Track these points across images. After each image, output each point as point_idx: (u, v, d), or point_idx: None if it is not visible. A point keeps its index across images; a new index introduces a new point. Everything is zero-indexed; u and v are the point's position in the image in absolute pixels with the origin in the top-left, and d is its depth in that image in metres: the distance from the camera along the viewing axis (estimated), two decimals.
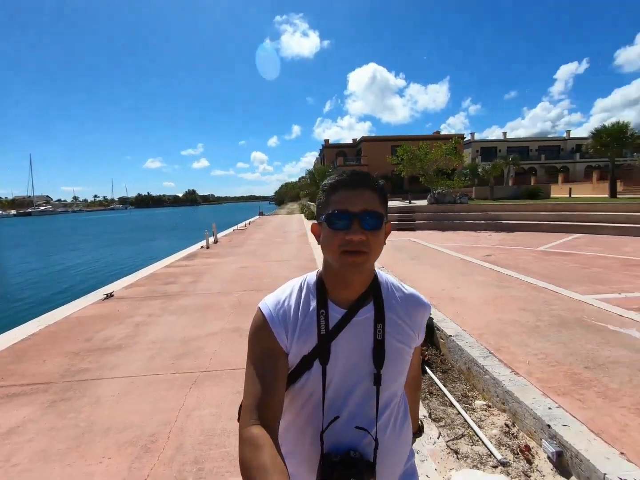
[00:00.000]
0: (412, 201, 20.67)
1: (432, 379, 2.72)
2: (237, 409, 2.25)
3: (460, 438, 2.06)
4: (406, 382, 0.87)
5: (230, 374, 2.94)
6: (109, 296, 5.56)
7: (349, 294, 0.78)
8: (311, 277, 0.82)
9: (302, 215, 25.85)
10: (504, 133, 44.65)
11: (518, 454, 1.87)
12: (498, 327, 3.32)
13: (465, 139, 42.04)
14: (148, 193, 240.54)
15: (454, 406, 2.40)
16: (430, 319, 3.28)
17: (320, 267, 0.82)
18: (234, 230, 16.51)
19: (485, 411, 2.36)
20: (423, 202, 19.24)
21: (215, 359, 3.22)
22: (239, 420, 0.80)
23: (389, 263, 6.57)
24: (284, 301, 0.77)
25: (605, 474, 1.54)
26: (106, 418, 2.37)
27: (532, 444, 1.94)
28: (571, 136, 44.09)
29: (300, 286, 0.80)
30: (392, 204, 20.43)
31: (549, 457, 1.80)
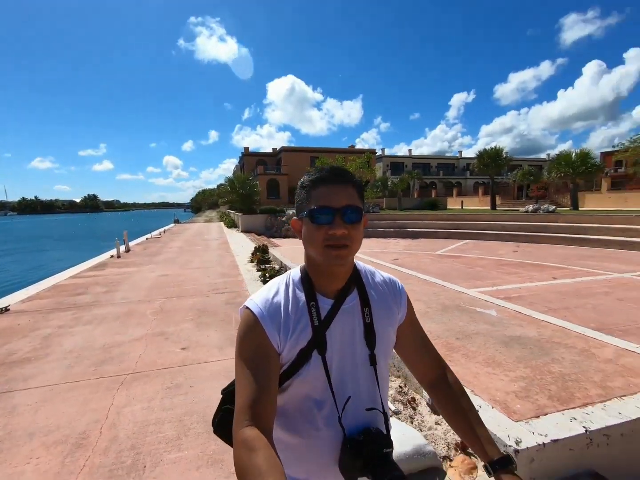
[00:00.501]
0: None
1: None
2: (170, 402, 2.59)
3: None
4: (432, 378, 0.91)
5: (160, 373, 3.04)
6: (4, 310, 5.00)
7: (335, 285, 0.81)
8: (295, 272, 0.85)
9: (222, 223, 25.29)
10: (410, 150, 49.66)
11: (407, 404, 2.42)
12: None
13: (377, 154, 45.63)
14: (35, 197, 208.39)
15: None
16: None
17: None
18: (147, 238, 15.53)
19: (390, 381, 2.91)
20: None
21: (141, 362, 3.27)
22: (213, 424, 0.89)
23: None
24: (272, 298, 0.79)
25: None
26: (28, 424, 2.32)
27: (417, 397, 2.51)
28: (463, 156, 50.96)
29: (286, 282, 0.83)
30: None
31: (427, 404, 2.38)
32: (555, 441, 1.70)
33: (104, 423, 2.34)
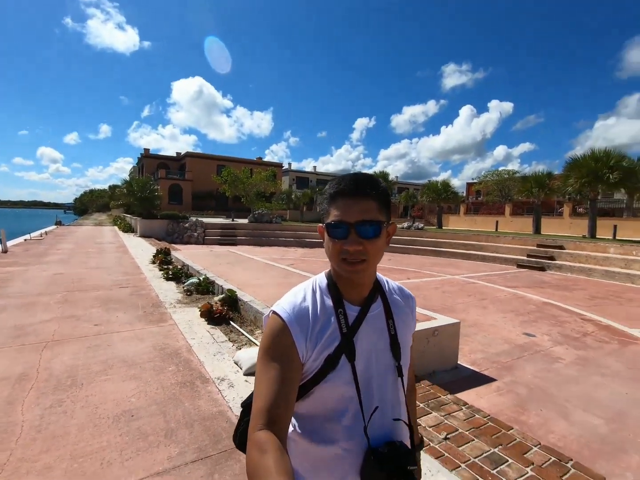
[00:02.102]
0: (234, 219, 22.46)
1: (234, 326, 4.33)
2: (93, 354, 3.88)
3: (245, 344, 3.73)
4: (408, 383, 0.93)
5: (78, 339, 3.73)
6: None
7: (360, 292, 0.82)
8: (321, 279, 0.85)
9: (116, 227, 23.74)
10: (314, 167, 53.06)
11: None
12: (276, 295, 5.23)
13: (284, 168, 47.64)
14: None
15: (244, 334, 4.08)
16: (235, 294, 4.91)
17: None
18: (25, 240, 14.14)
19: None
20: (244, 221, 21.36)
21: (58, 334, 3.88)
22: (234, 439, 0.89)
23: (208, 265, 7.92)
24: (300, 304, 0.78)
25: None
26: None
27: None
28: None
29: (313, 288, 0.82)
30: (216, 220, 21.67)
31: None
32: None
33: (38, 367, 3.05)
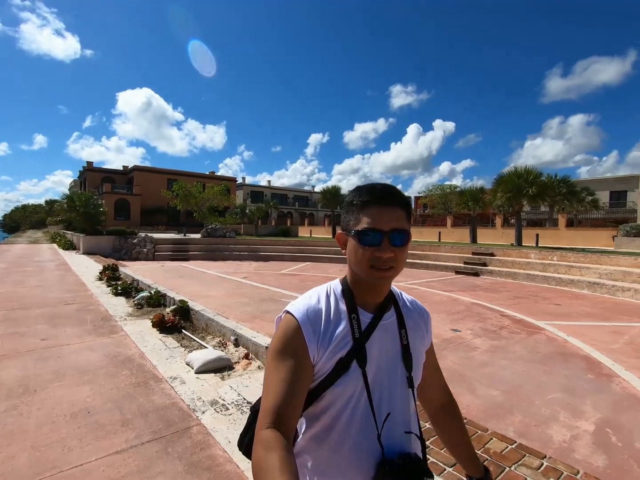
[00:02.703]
0: (187, 234, 22.05)
1: (186, 334, 4.55)
2: (42, 365, 4.16)
3: (196, 348, 3.99)
4: (438, 404, 0.97)
5: (26, 353, 3.76)
6: None
7: (375, 299, 0.83)
8: (335, 284, 0.86)
9: (55, 245, 22.25)
10: (269, 181, 53.38)
11: (223, 346, 3.97)
12: (227, 304, 5.55)
13: (238, 182, 47.44)
14: None
15: (196, 340, 4.33)
16: (187, 304, 5.12)
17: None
18: None
19: (215, 339, 4.39)
20: (197, 236, 21.07)
21: (3, 350, 3.86)
22: (241, 445, 0.89)
23: (160, 280, 7.94)
24: (314, 305, 0.79)
25: (246, 336, 3.81)
26: None
27: (229, 341, 4.09)
28: (315, 190, 57.63)
29: (327, 293, 0.83)
30: (167, 236, 21.16)
31: (233, 342, 3.98)
32: None
33: None
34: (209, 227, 20.72)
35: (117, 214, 35.20)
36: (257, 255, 18.37)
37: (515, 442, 2.44)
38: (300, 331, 0.75)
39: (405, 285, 10.63)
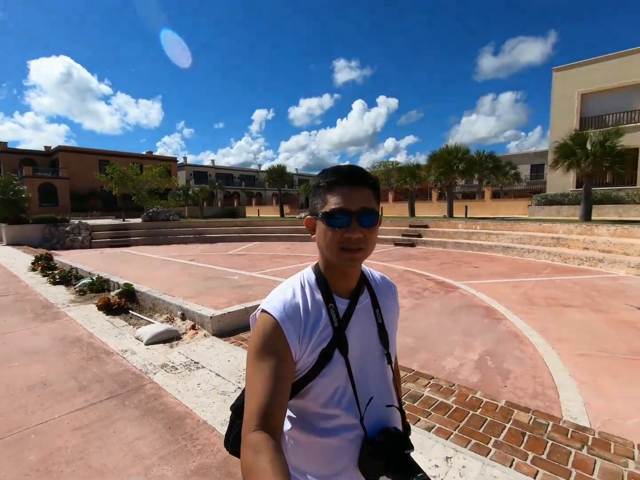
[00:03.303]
0: (126, 219, 21.02)
1: (134, 314, 4.77)
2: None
3: (146, 323, 4.27)
4: None
5: None
6: None
7: (349, 284, 0.83)
8: (308, 274, 0.85)
9: None
10: (213, 160, 51.51)
11: (171, 321, 4.28)
12: (172, 284, 5.79)
13: (179, 162, 45.21)
14: None
15: (144, 318, 4.58)
16: (132, 287, 5.28)
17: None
18: None
19: (163, 316, 4.67)
20: (138, 220, 20.18)
21: None
22: (227, 444, 0.88)
23: (101, 267, 7.82)
24: (290, 301, 0.77)
25: (192, 310, 4.17)
26: None
27: (176, 317, 4.41)
28: (262, 169, 56.73)
29: (302, 284, 0.82)
30: (104, 222, 20.00)
31: (179, 317, 4.31)
32: (229, 312, 3.96)
33: None
34: (150, 210, 19.93)
35: (43, 200, 32.14)
36: (203, 238, 18.18)
37: (414, 370, 3.14)
38: (279, 329, 0.73)
39: None
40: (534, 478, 1.78)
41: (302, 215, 21.69)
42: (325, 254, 0.80)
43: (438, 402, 2.52)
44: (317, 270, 0.84)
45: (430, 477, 0.70)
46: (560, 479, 1.78)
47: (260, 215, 30.62)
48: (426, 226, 15.73)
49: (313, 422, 0.80)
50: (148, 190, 20.47)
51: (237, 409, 0.86)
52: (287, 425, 0.82)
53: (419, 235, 15.07)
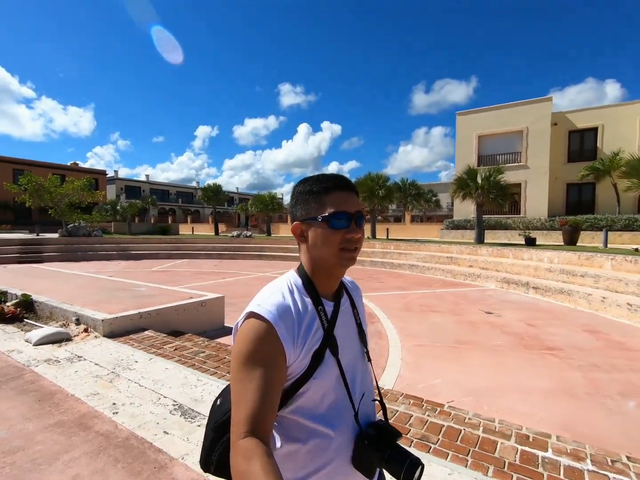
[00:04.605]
0: (40, 233, 19.59)
1: (29, 322, 4.92)
2: None
3: (40, 327, 4.49)
4: None
5: None
6: None
7: (333, 287, 0.87)
8: (294, 278, 0.85)
9: None
10: (147, 175, 49.53)
11: (65, 326, 4.55)
12: (75, 295, 5.95)
13: (109, 176, 42.87)
14: None
15: (37, 325, 4.77)
16: (30, 297, 5.39)
17: None
18: None
19: (58, 322, 4.88)
20: (55, 235, 18.94)
21: None
22: (208, 463, 0.84)
23: (2, 281, 7.57)
24: (282, 303, 0.77)
25: (86, 315, 4.50)
26: None
27: (71, 322, 4.68)
28: (200, 186, 55.72)
29: (289, 288, 0.82)
30: (12, 236, 18.46)
31: (74, 322, 4.61)
32: (122, 316, 4.38)
33: None
34: (70, 225, 18.86)
35: None
36: (128, 255, 17.63)
37: None
38: (274, 333, 0.72)
39: (272, 274, 12.05)
40: None
41: (235, 233, 21.96)
42: (323, 256, 0.81)
43: None
44: (302, 274, 0.85)
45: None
46: None
47: (194, 233, 30.12)
48: None
49: (305, 427, 0.78)
50: (68, 204, 19.37)
51: (219, 427, 0.83)
52: (277, 443, 0.79)
53: None
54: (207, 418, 2.38)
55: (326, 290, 0.85)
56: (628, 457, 2.17)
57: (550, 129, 18.24)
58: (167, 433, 2.25)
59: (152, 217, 39.08)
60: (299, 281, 0.84)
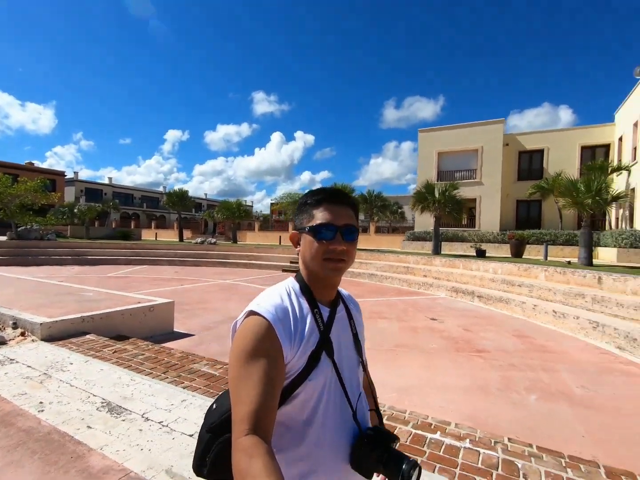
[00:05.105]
0: None
1: None
2: None
3: None
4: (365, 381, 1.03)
5: None
6: None
7: (330, 294, 0.90)
8: (293, 283, 0.88)
9: None
10: (110, 178, 47.73)
11: (1, 330, 4.45)
12: (15, 300, 5.77)
13: (68, 177, 40.98)
14: None
15: None
16: None
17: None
18: None
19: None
20: (3, 238, 17.89)
21: None
22: (202, 467, 0.84)
23: None
24: (281, 305, 0.80)
25: (24, 319, 4.42)
26: None
27: (8, 326, 4.57)
28: (167, 191, 54.33)
29: (287, 291, 0.85)
30: None
31: (11, 326, 4.51)
32: (62, 320, 4.35)
33: None
34: (21, 228, 17.90)
35: None
36: (83, 260, 16.95)
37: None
38: (272, 331, 0.74)
39: (231, 282, 12.05)
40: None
41: (199, 240, 21.67)
42: (310, 265, 0.85)
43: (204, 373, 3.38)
44: (300, 280, 0.88)
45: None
46: None
47: (157, 239, 29.36)
48: None
49: (300, 429, 0.80)
50: (19, 205, 18.40)
51: (216, 427, 0.83)
52: (277, 432, 0.78)
53: None
54: (133, 413, 2.55)
55: (322, 297, 0.88)
56: (509, 439, 2.51)
57: (502, 149, 19.57)
58: (90, 427, 2.35)
59: (113, 222, 37.66)
60: (297, 286, 0.88)
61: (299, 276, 0.89)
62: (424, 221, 20.33)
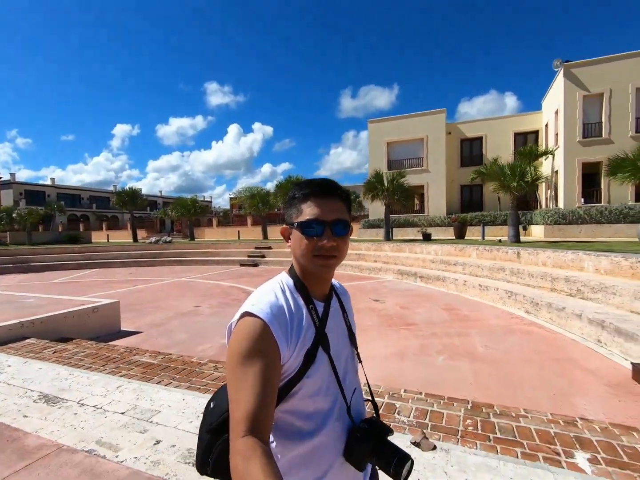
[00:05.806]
0: None
1: None
2: None
3: None
4: None
5: None
6: None
7: (323, 289, 0.88)
8: (286, 279, 0.87)
9: None
10: (52, 179, 44.72)
11: None
12: None
13: (4, 180, 37.97)
14: None
15: None
16: None
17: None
18: None
19: None
20: None
21: None
22: (204, 465, 0.84)
23: None
24: (276, 303, 0.79)
25: None
26: None
27: None
28: (118, 190, 51.74)
29: (281, 288, 0.84)
30: None
31: None
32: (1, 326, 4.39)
33: None
34: None
35: None
36: (27, 267, 16.09)
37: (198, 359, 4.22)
38: (268, 331, 0.73)
39: (187, 279, 12.05)
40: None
41: (153, 239, 21.17)
42: (300, 261, 0.83)
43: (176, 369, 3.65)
44: (293, 275, 0.87)
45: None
46: None
47: (109, 241, 28.18)
48: (270, 248, 17.53)
49: (298, 425, 0.80)
50: None
51: (216, 428, 0.83)
52: (275, 432, 0.80)
53: (263, 256, 16.70)
54: (70, 401, 2.79)
55: (316, 291, 0.86)
56: (405, 390, 3.03)
57: (445, 137, 20.72)
58: (27, 416, 2.57)
59: (59, 225, 35.50)
60: (290, 281, 0.86)
61: (292, 271, 0.88)
62: (377, 209, 21.14)
